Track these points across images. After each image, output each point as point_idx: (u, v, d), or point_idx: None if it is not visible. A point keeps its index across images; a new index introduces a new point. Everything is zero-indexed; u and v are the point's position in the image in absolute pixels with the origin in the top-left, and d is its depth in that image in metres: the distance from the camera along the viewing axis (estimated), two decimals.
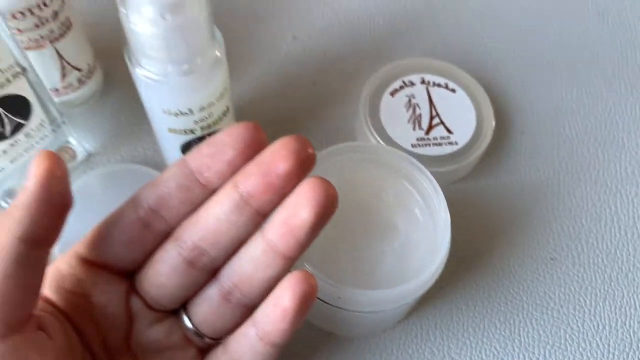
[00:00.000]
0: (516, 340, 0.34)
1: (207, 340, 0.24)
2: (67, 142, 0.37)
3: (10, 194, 0.35)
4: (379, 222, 0.31)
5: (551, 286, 0.36)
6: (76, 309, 0.23)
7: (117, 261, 0.23)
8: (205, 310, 0.24)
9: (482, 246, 0.37)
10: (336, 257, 0.29)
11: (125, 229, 0.22)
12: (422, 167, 0.31)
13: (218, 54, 0.28)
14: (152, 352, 0.24)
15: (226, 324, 0.24)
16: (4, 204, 0.35)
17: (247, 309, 0.23)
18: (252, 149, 0.21)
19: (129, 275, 0.24)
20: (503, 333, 0.34)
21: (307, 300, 0.21)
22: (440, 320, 0.34)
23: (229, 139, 0.21)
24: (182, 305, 0.24)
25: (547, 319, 0.35)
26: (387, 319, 0.32)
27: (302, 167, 0.21)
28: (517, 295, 0.35)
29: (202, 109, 0.30)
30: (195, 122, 0.30)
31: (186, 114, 0.29)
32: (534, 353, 0.34)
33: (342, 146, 0.31)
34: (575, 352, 0.34)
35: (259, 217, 0.22)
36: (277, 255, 0.22)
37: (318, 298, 0.28)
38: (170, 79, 0.27)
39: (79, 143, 0.37)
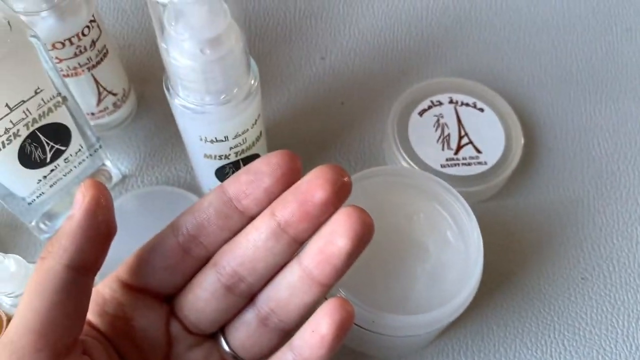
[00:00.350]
0: None
1: None
2: (103, 164, 0.38)
3: (49, 217, 0.36)
4: (411, 245, 0.31)
5: (583, 306, 0.36)
6: (118, 333, 0.23)
7: (158, 286, 0.24)
8: (243, 334, 0.24)
9: (511, 266, 0.37)
10: (369, 281, 0.30)
11: (165, 254, 0.23)
12: (453, 189, 0.31)
13: (253, 82, 0.29)
14: None
15: (263, 348, 0.24)
16: (43, 227, 0.36)
17: (284, 334, 0.24)
18: (289, 177, 0.22)
19: (168, 299, 0.24)
20: (535, 354, 0.34)
21: (344, 327, 0.22)
22: (472, 340, 0.35)
23: (266, 168, 0.22)
24: (220, 330, 0.25)
25: (579, 339, 0.35)
26: (420, 341, 0.32)
27: (338, 195, 0.21)
28: (549, 316, 0.35)
29: (237, 135, 0.30)
30: (230, 148, 0.31)
31: (222, 140, 0.30)
32: None
33: (373, 170, 0.32)
34: None
35: (296, 245, 0.23)
36: (314, 282, 0.22)
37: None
38: (207, 108, 0.28)
39: (114, 165, 0.38)
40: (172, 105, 0.29)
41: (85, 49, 0.34)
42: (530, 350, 0.34)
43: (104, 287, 0.24)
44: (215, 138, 0.30)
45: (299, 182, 0.22)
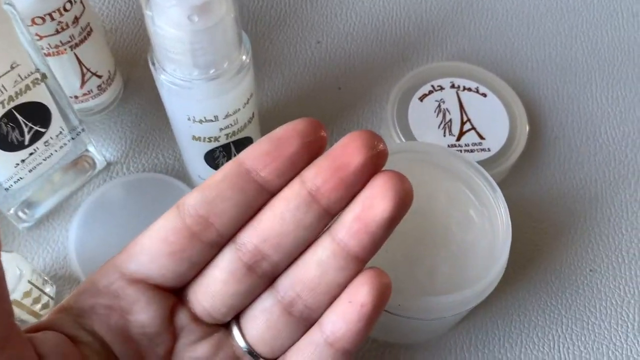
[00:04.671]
0: (556, 357, 0.32)
1: None
2: (87, 150, 0.36)
3: (28, 205, 0.34)
4: (434, 226, 0.29)
5: (591, 299, 0.34)
6: (110, 328, 0.21)
7: (161, 276, 0.21)
8: (263, 324, 0.21)
9: (516, 258, 0.35)
10: (391, 266, 0.28)
11: (169, 239, 0.20)
12: (476, 163, 0.29)
13: (245, 58, 0.27)
14: None
15: (285, 342, 0.21)
16: (22, 215, 0.34)
17: (309, 326, 0.21)
18: (314, 146, 0.20)
19: (175, 290, 0.22)
20: (542, 349, 0.33)
21: (384, 298, 0.20)
22: (475, 336, 0.33)
23: (290, 134, 0.20)
24: (235, 319, 0.22)
25: (588, 334, 0.33)
26: (445, 325, 0.30)
27: (375, 162, 0.19)
28: (556, 309, 0.34)
29: (227, 115, 0.28)
30: (220, 130, 0.29)
31: (211, 120, 0.28)
32: None
33: (392, 146, 0.30)
34: None
35: (327, 217, 0.20)
36: (349, 256, 0.20)
37: None
38: (195, 84, 0.26)
39: (98, 152, 0.36)
40: (158, 82, 0.27)
41: (68, 26, 0.32)
42: (537, 346, 0.33)
43: (99, 276, 0.21)
44: (204, 118, 0.28)
45: (332, 148, 0.20)
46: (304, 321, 0.21)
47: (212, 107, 0.28)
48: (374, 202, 0.19)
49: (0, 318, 0.17)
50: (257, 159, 0.20)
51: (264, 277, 0.21)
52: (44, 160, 0.32)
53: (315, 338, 0.21)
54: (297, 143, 0.19)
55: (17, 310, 0.30)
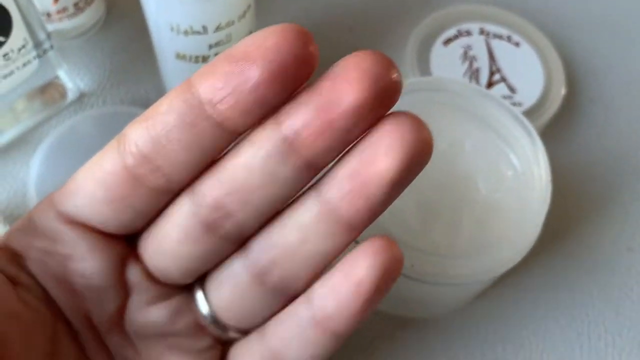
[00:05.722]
0: (584, 345, 0.28)
1: (230, 334, 0.18)
2: (57, 77, 0.31)
3: None
4: (456, 181, 0.25)
5: (628, 281, 0.30)
6: (49, 274, 0.17)
7: (100, 222, 0.17)
8: (229, 292, 0.17)
9: (545, 230, 0.30)
10: (404, 222, 0.24)
11: (106, 182, 0.16)
12: (514, 109, 0.24)
13: None
14: (149, 335, 0.18)
15: (257, 314, 0.17)
16: None
17: (287, 299, 0.17)
18: (295, 69, 0.14)
19: (125, 238, 0.17)
20: (569, 335, 0.28)
21: (391, 276, 0.15)
22: (494, 313, 0.28)
23: (257, 51, 0.14)
24: (198, 282, 0.18)
25: (623, 321, 0.29)
26: (461, 296, 0.26)
27: (381, 98, 0.14)
28: (586, 290, 0.29)
29: (219, 28, 0.24)
30: (210, 47, 0.24)
31: (199, 32, 0.23)
32: None
33: (416, 81, 0.25)
34: None
35: (310, 172, 0.15)
36: (338, 222, 0.15)
37: None
38: None
39: (71, 79, 0.32)
40: None
41: None
42: (564, 331, 0.28)
43: (38, 212, 0.17)
44: (191, 27, 0.23)
45: (321, 79, 0.14)
46: (279, 292, 0.17)
47: (201, 14, 0.23)
48: (376, 155, 0.14)
49: None
50: (213, 86, 0.14)
51: (228, 239, 0.16)
52: (3, 77, 0.28)
53: (300, 312, 0.16)
54: (268, 66, 0.13)
55: None
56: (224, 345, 0.18)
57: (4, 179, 0.30)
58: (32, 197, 0.29)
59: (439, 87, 0.26)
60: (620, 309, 0.29)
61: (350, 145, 0.15)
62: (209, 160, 0.15)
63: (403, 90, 0.24)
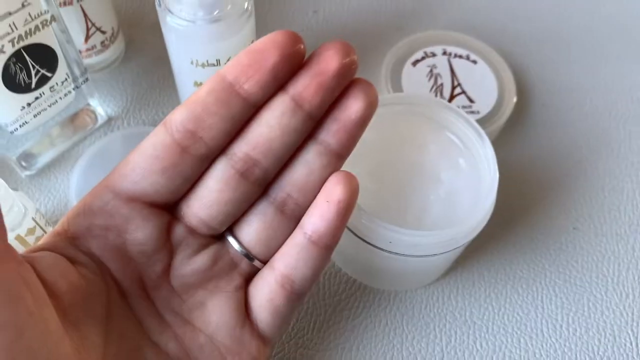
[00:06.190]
0: (539, 307, 0.34)
1: (256, 263, 0.23)
2: (88, 104, 0.37)
3: (26, 157, 0.35)
4: (424, 173, 0.31)
5: (574, 255, 0.36)
6: (107, 247, 0.22)
7: (154, 192, 0.21)
8: (258, 227, 0.23)
9: (503, 214, 0.36)
10: (386, 206, 0.30)
11: (160, 155, 0.21)
12: (464, 113, 0.31)
13: (247, 5, 0.28)
14: (194, 283, 0.23)
15: (279, 240, 0.23)
16: (24, 164, 0.35)
17: (297, 222, 0.23)
18: (294, 57, 0.20)
19: (168, 206, 0.22)
20: (526, 299, 0.34)
21: (355, 195, 0.22)
22: (462, 285, 0.34)
23: (270, 46, 0.20)
24: (228, 229, 0.23)
25: (570, 287, 0.34)
26: (433, 267, 0.31)
27: (349, 68, 0.21)
28: (540, 263, 0.35)
29: (229, 59, 0.29)
30: None
31: (213, 65, 0.29)
32: (557, 320, 0.33)
33: (390, 97, 0.31)
34: (599, 319, 0.33)
35: (311, 122, 0.22)
36: (331, 154, 0.22)
37: (369, 243, 0.28)
38: (199, 25, 0.27)
39: (100, 106, 0.37)
40: (164, 25, 0.29)
41: None
42: (521, 297, 0.34)
43: (91, 197, 0.22)
44: (207, 61, 0.29)
45: (308, 58, 0.21)
46: (295, 219, 0.23)
47: (215, 51, 0.29)
48: (349, 103, 0.21)
49: None
50: (239, 72, 0.20)
51: (256, 184, 0.22)
52: (48, 106, 0.33)
53: (298, 240, 0.22)
54: (277, 54, 0.20)
55: (19, 247, 0.30)
56: (248, 284, 0.24)
57: (47, 191, 0.36)
58: (73, 205, 0.35)
59: (408, 101, 0.32)
60: (568, 277, 0.35)
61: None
62: (237, 128, 0.22)
63: (380, 104, 0.31)
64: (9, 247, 0.18)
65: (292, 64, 0.21)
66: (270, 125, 0.21)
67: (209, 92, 0.21)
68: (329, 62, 0.21)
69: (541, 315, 0.33)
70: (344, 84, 0.21)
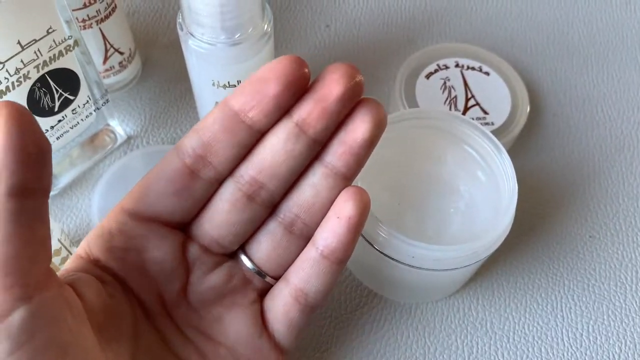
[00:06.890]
0: (559, 316, 0.34)
1: (268, 279, 0.24)
2: (107, 125, 0.37)
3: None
4: (443, 186, 0.31)
5: (591, 263, 0.36)
6: (128, 267, 0.22)
7: (168, 213, 0.22)
8: (268, 246, 0.24)
9: (519, 226, 0.37)
10: (406, 220, 0.30)
11: (172, 178, 0.22)
12: (481, 126, 0.31)
13: (267, 27, 0.29)
14: (211, 300, 0.24)
15: (289, 258, 0.24)
16: None
17: (307, 242, 0.23)
18: (298, 84, 0.21)
19: (182, 226, 0.23)
20: (545, 309, 0.34)
21: (366, 211, 0.22)
22: (482, 296, 0.34)
23: (271, 74, 0.21)
24: (240, 247, 0.24)
25: (589, 295, 0.35)
26: (455, 280, 0.32)
27: (354, 91, 0.21)
28: (558, 272, 0.35)
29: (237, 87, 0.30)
30: None
31: (234, 86, 0.30)
32: (577, 328, 0.34)
33: (395, 115, 0.32)
34: (619, 327, 0.34)
35: (315, 146, 0.22)
36: (337, 176, 0.22)
37: (391, 258, 0.28)
38: (221, 47, 0.28)
39: (119, 125, 0.38)
40: (186, 48, 0.29)
41: (95, 1, 0.33)
42: (540, 306, 0.34)
43: (110, 221, 0.23)
44: (228, 82, 0.30)
45: (313, 82, 0.21)
46: (304, 238, 0.23)
47: (236, 72, 0.29)
48: (356, 125, 0.22)
49: (42, 262, 0.18)
50: (243, 102, 0.21)
51: (263, 206, 0.23)
52: (70, 128, 0.34)
53: (311, 255, 0.23)
54: (279, 83, 0.21)
55: None
56: (262, 298, 0.24)
57: (70, 211, 0.36)
58: (96, 224, 0.35)
59: (425, 115, 0.32)
60: (586, 285, 0.35)
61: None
62: (244, 153, 0.22)
63: (396, 119, 0.31)
64: (52, 271, 0.19)
65: (296, 90, 0.21)
66: (275, 150, 0.22)
67: (215, 121, 0.22)
68: (333, 87, 0.21)
69: (561, 324, 0.34)
70: (350, 106, 0.22)
